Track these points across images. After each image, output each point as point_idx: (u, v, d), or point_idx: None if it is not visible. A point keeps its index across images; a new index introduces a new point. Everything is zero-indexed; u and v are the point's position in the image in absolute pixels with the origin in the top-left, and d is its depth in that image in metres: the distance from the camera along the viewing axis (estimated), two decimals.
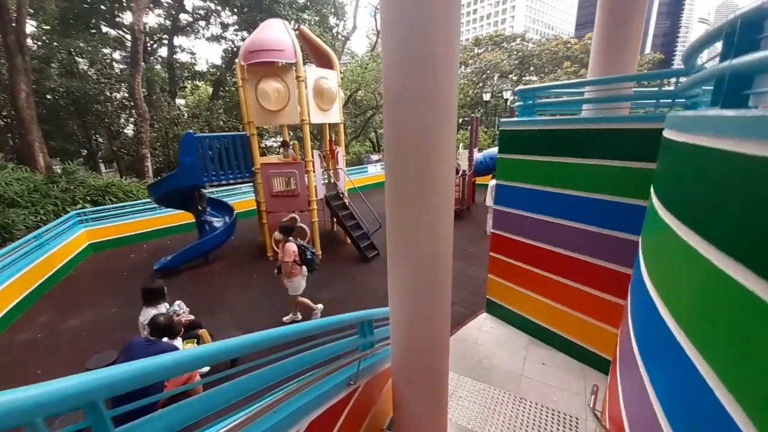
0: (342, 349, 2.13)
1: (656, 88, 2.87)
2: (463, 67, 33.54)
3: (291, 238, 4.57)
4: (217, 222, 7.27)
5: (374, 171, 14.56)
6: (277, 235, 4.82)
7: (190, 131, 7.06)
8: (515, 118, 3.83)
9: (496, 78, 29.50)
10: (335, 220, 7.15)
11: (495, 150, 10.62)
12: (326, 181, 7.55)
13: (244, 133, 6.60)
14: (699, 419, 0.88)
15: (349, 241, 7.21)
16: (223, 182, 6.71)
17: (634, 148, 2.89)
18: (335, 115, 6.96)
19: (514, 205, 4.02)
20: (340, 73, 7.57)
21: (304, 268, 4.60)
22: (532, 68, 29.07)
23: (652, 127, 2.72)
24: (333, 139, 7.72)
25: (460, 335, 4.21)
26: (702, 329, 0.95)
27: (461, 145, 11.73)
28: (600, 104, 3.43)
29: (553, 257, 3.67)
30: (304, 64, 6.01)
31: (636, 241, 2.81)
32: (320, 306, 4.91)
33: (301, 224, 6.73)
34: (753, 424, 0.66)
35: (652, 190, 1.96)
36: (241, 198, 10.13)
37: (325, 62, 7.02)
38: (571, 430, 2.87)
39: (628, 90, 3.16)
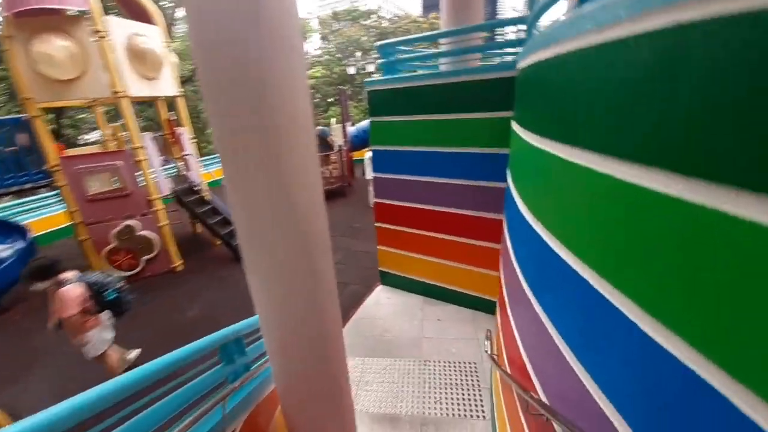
0: (197, 392, 1.51)
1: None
2: (325, 42, 32.65)
3: (64, 276, 2.80)
4: (2, 252, 5.00)
5: None
6: (37, 286, 2.75)
7: None
8: (380, 77, 3.58)
9: (359, 55, 29.77)
10: (195, 219, 5.82)
11: (368, 122, 10.61)
12: (179, 173, 6.06)
13: (19, 116, 4.55)
14: (602, 339, 0.84)
15: (219, 241, 6.05)
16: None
17: (492, 98, 3.00)
18: (168, 85, 5.47)
19: (391, 170, 3.87)
20: (171, 39, 5.96)
21: (104, 315, 2.99)
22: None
23: (507, 76, 2.83)
24: (173, 118, 6.15)
25: (359, 315, 3.97)
26: (594, 247, 0.86)
27: (334, 120, 11.31)
28: (455, 57, 3.48)
29: (435, 217, 3.70)
30: (107, 13, 4.39)
31: (502, 187, 2.91)
32: (134, 354, 3.34)
33: (142, 233, 5.23)
34: (673, 332, 0.60)
35: (513, 123, 1.94)
36: (46, 213, 7.38)
37: (140, 15, 5.33)
38: (471, 375, 2.97)
39: (478, 42, 3.29)
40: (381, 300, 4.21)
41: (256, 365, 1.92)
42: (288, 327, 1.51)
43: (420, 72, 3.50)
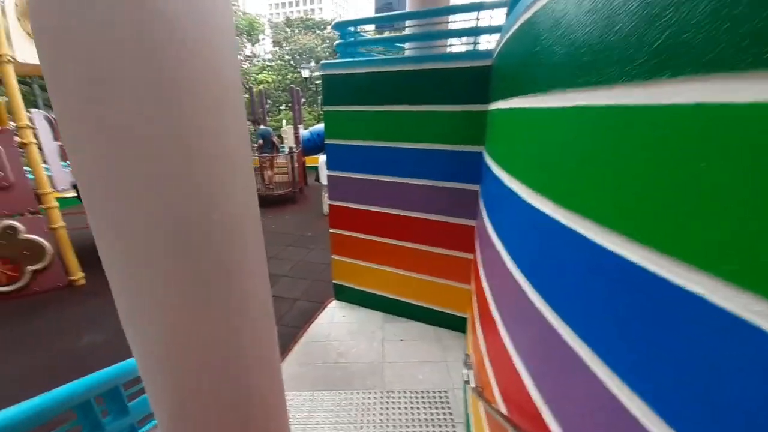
0: None
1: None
2: (278, 48, 31.65)
3: None
4: None
5: None
6: None
7: None
8: (337, 60, 3.13)
9: (312, 63, 29.25)
10: None
11: (322, 126, 10.05)
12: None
13: None
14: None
15: None
16: None
17: (467, 89, 2.70)
18: None
19: (348, 167, 3.39)
20: None
21: None
22: None
23: (483, 65, 2.55)
24: None
25: (309, 337, 3.35)
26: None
27: (285, 122, 10.58)
28: (423, 42, 3.17)
29: (397, 222, 3.28)
30: None
31: (477, 190, 2.58)
32: None
33: (28, 236, 4.08)
34: None
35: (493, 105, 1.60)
36: None
37: None
38: (441, 407, 2.53)
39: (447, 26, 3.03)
40: (335, 318, 3.64)
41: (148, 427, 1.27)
42: (187, 374, 0.93)
43: (383, 56, 3.12)
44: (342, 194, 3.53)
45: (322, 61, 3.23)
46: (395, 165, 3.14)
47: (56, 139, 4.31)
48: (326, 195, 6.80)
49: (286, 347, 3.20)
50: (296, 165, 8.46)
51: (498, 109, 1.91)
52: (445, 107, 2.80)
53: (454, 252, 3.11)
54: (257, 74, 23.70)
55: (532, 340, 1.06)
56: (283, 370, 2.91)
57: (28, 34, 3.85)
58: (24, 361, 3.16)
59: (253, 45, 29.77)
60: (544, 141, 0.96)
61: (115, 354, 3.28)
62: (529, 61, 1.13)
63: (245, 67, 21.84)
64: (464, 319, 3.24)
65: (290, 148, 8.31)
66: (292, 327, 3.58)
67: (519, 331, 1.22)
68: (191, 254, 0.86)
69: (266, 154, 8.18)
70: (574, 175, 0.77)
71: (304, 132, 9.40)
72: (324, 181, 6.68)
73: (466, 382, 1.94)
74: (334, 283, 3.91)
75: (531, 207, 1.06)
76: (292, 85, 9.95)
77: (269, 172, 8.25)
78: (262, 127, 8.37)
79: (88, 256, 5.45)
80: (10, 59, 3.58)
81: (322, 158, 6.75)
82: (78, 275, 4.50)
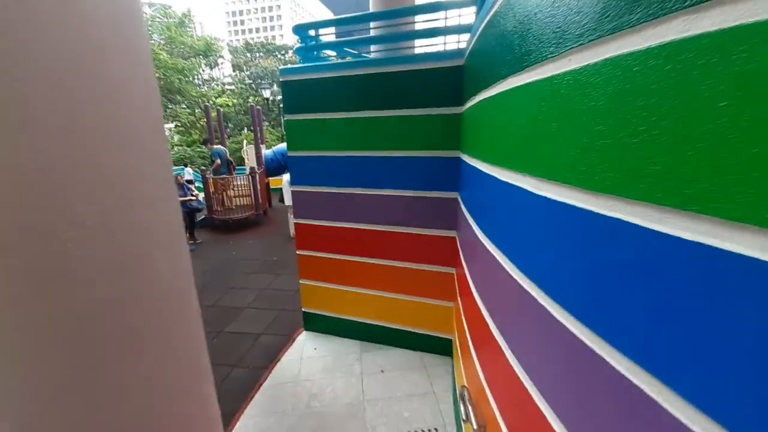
0: None
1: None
2: (237, 71, 31.15)
3: None
4: None
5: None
6: None
7: None
8: (297, 65, 2.86)
9: (275, 86, 29.01)
10: None
11: (285, 145, 9.67)
12: None
13: None
14: None
15: None
16: None
17: (440, 92, 2.52)
18: None
19: (314, 181, 3.07)
20: None
21: None
22: None
23: (455, 65, 2.39)
24: None
25: (276, 379, 2.87)
26: None
27: (245, 142, 10.08)
28: (390, 44, 2.99)
29: (370, 238, 2.97)
30: None
31: (456, 199, 2.37)
32: None
33: None
34: None
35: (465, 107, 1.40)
36: None
37: None
38: None
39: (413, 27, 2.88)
40: (306, 352, 3.19)
41: None
42: None
43: (348, 59, 2.90)
44: (309, 211, 3.17)
45: (281, 67, 2.95)
46: (366, 176, 2.86)
47: None
48: (292, 216, 6.38)
49: (246, 395, 2.70)
50: (259, 186, 7.95)
51: (477, 103, 1.72)
52: (416, 111, 2.60)
53: (435, 267, 2.84)
54: (216, 98, 22.97)
55: (554, 363, 0.78)
56: (243, 425, 2.43)
57: None
58: None
59: (211, 69, 29.06)
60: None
61: None
62: (497, 52, 1.19)
63: (203, 90, 21.08)
64: (449, 341, 2.94)
65: (251, 169, 7.81)
66: (254, 368, 3.08)
67: (534, 354, 0.93)
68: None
69: (224, 175, 7.65)
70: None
71: (266, 152, 8.94)
72: (289, 201, 6.27)
73: (465, 421, 1.61)
74: (304, 312, 3.48)
75: (544, 200, 0.81)
76: (252, 104, 9.54)
77: (230, 193, 7.70)
78: (216, 146, 7.88)
79: None
80: None
81: (285, 177, 6.35)
82: None
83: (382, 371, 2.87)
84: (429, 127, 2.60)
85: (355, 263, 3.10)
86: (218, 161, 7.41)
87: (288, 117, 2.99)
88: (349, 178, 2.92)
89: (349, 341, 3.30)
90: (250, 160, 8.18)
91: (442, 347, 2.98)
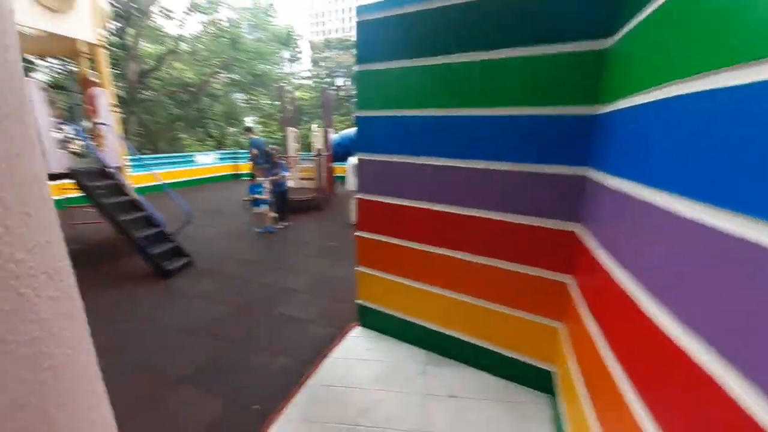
0: None
1: None
2: (314, 66, 32.54)
3: None
4: None
5: (206, 162, 11.23)
6: None
7: None
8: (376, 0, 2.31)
9: (349, 83, 29.61)
10: (99, 210, 4.11)
11: (353, 130, 9.41)
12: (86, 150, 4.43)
13: None
14: None
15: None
16: None
17: (565, 19, 1.77)
18: (81, 26, 4.01)
19: (384, 147, 2.51)
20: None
21: None
22: None
23: None
24: (93, 78, 4.62)
25: (321, 378, 2.39)
26: None
27: (315, 125, 10.09)
28: None
29: (451, 224, 2.32)
30: None
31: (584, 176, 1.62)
32: None
33: None
34: None
35: None
36: None
37: None
38: None
39: None
40: (358, 352, 2.67)
41: None
42: None
43: None
44: (375, 185, 2.63)
45: (357, 5, 2.45)
46: (453, 142, 2.21)
47: (53, 114, 3.82)
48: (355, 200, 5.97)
49: (287, 391, 2.25)
50: (323, 169, 7.76)
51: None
52: (531, 50, 1.87)
53: (538, 270, 2.08)
54: (293, 91, 24.15)
55: None
56: (279, 430, 1.97)
57: (42, 5, 3.42)
58: None
59: (291, 63, 30.76)
60: None
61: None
62: None
63: (282, 76, 22.21)
64: (548, 374, 2.16)
65: (318, 151, 7.65)
66: (299, 361, 2.64)
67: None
68: None
69: (262, 166, 7.75)
70: None
71: (334, 136, 8.77)
72: (351, 186, 5.87)
73: None
74: (359, 305, 2.96)
75: None
76: (324, 86, 9.46)
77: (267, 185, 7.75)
78: (255, 137, 7.99)
79: (90, 254, 4.89)
80: None
81: (351, 160, 5.97)
82: None
83: (453, 396, 2.20)
84: (546, 72, 1.86)
85: (427, 254, 2.47)
86: (255, 151, 7.37)
87: (361, 67, 2.46)
88: (430, 144, 2.30)
89: (410, 348, 2.70)
90: (318, 142, 8.03)
91: (536, 379, 2.21)
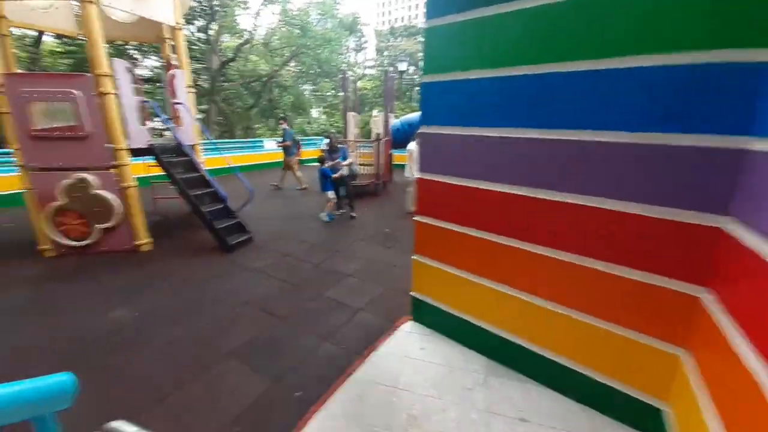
0: None
1: None
2: (379, 55, 32.52)
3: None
4: None
5: (273, 147, 11.78)
6: None
7: None
8: None
9: (411, 69, 28.99)
10: (173, 185, 4.38)
11: (417, 114, 9.02)
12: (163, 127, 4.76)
13: None
14: None
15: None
16: None
17: None
18: (163, 9, 4.24)
19: (455, 118, 2.13)
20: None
21: None
22: None
23: None
24: (171, 59, 4.93)
25: (368, 372, 2.16)
26: None
27: (375, 110, 9.90)
28: None
29: (534, 210, 1.88)
30: None
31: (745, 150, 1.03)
32: None
33: (100, 192, 3.88)
34: None
35: None
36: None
37: None
38: None
39: None
40: (410, 349, 2.39)
41: None
42: None
43: None
44: (440, 163, 2.28)
45: None
46: (547, 108, 1.77)
47: (138, 93, 4.11)
48: (412, 191, 5.65)
49: (330, 383, 2.07)
50: (382, 155, 7.55)
51: None
52: None
53: (659, 278, 1.56)
54: (356, 82, 24.40)
55: None
56: (316, 429, 1.70)
57: None
58: (40, 329, 2.71)
59: (356, 53, 31.11)
60: None
61: (128, 333, 2.62)
62: None
63: (347, 64, 22.54)
64: (658, 412, 1.64)
65: (377, 135, 7.44)
66: (346, 349, 2.45)
67: None
68: None
69: (292, 156, 8.05)
70: None
71: (394, 121, 8.50)
72: (413, 173, 5.53)
73: None
74: (413, 297, 2.67)
75: None
76: (387, 70, 9.19)
77: (298, 173, 8.11)
78: (286, 127, 8.12)
79: (165, 226, 5.33)
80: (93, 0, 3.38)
81: (412, 146, 5.62)
82: (144, 240, 4.22)
83: (523, 420, 1.81)
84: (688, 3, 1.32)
85: (500, 247, 2.07)
86: (288, 142, 7.74)
87: (431, 22, 2.10)
88: (514, 112, 1.88)
89: (468, 352, 2.34)
90: (377, 126, 7.82)
91: (637, 415, 1.71)
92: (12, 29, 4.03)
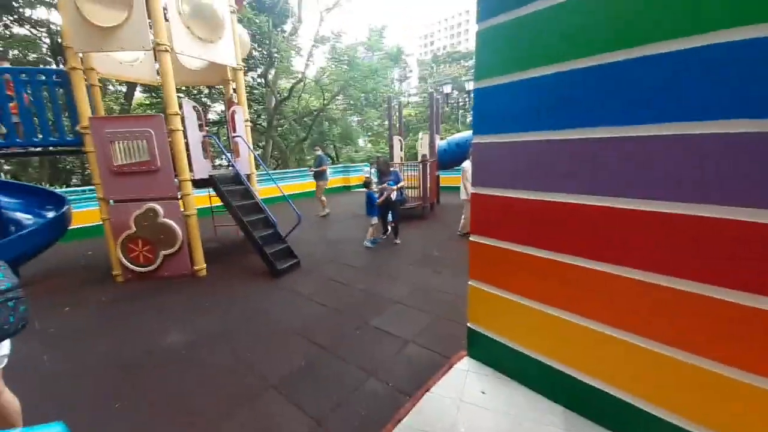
0: None
1: None
2: (422, 83, 33.30)
3: None
4: (29, 219, 4.52)
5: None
6: None
7: None
8: None
9: (456, 93, 29.11)
10: (230, 212, 4.60)
11: (464, 134, 8.78)
12: (226, 160, 5.09)
13: (56, 68, 4.13)
14: None
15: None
16: (25, 149, 4.06)
17: None
18: (226, 53, 4.66)
19: (513, 122, 1.88)
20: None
21: None
22: None
23: None
24: (231, 96, 5.35)
25: (420, 420, 1.87)
26: None
27: (420, 132, 9.88)
28: None
29: (634, 226, 1.52)
30: None
31: None
32: None
33: (164, 220, 4.18)
34: None
35: None
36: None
37: None
38: None
39: None
40: (468, 392, 2.04)
41: None
42: None
43: None
44: (498, 174, 2.02)
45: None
46: (621, 101, 1.46)
47: (201, 129, 4.46)
48: (466, 213, 5.33)
49: (377, 428, 1.81)
50: (429, 177, 7.37)
51: None
52: None
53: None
54: (400, 106, 25.15)
55: None
56: None
57: (190, 32, 4.04)
58: (97, 351, 2.83)
59: (401, 83, 32.24)
60: None
61: (180, 359, 2.61)
62: None
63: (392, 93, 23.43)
64: None
65: (423, 156, 7.31)
66: (393, 387, 2.18)
67: None
68: None
69: (322, 181, 8.15)
70: None
71: (440, 142, 8.35)
72: (467, 195, 5.25)
73: None
74: (470, 329, 2.34)
75: None
76: (432, 91, 9.19)
77: (323, 198, 8.24)
78: (321, 153, 8.31)
79: (219, 251, 5.60)
80: (167, 48, 3.80)
81: (467, 164, 5.34)
82: (201, 266, 4.42)
83: None
84: None
85: (580, 271, 1.71)
86: (324, 167, 7.96)
87: (484, 24, 1.93)
88: (586, 109, 1.60)
89: (543, 400, 1.94)
90: (423, 147, 7.71)
91: None
92: (108, 86, 4.67)
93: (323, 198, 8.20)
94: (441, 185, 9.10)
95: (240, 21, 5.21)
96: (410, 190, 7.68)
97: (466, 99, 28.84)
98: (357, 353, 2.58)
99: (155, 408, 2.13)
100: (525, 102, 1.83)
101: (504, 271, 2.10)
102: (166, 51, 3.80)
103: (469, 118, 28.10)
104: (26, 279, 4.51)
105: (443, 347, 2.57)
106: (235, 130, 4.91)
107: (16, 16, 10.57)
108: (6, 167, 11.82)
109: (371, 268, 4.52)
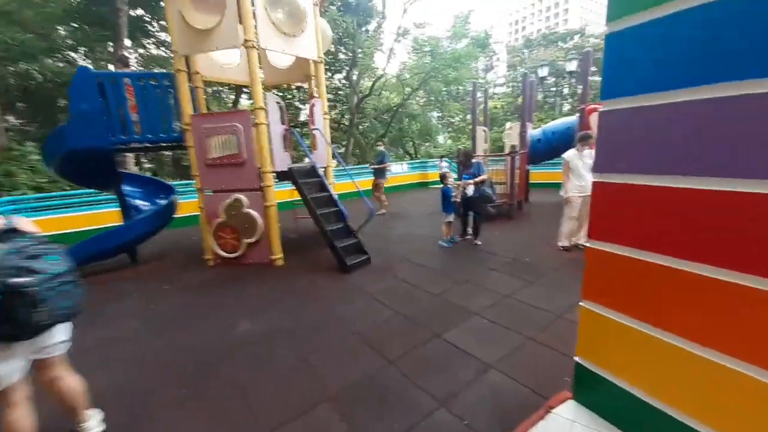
0: None
1: None
2: (512, 71, 30.66)
3: None
4: (146, 205, 5.29)
5: (398, 171, 12.09)
6: None
7: (84, 65, 5.32)
8: None
9: (552, 80, 25.92)
10: (304, 203, 4.63)
11: (564, 120, 7.54)
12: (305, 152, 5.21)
13: (166, 71, 4.64)
14: None
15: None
16: (142, 144, 4.68)
17: None
18: (309, 47, 4.68)
19: (666, 76, 1.25)
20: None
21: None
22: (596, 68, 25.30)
23: None
24: (313, 91, 5.41)
25: None
26: None
27: (509, 123, 8.87)
28: None
29: None
30: None
31: None
32: None
33: (248, 210, 4.39)
34: None
35: None
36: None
37: None
38: None
39: None
40: None
41: None
42: None
43: None
44: (636, 152, 1.40)
45: None
46: None
47: (283, 122, 4.57)
48: (567, 218, 4.39)
49: None
50: (517, 172, 6.48)
51: None
52: None
53: None
54: (485, 93, 23.48)
55: None
56: None
57: (275, 27, 4.12)
58: (175, 333, 2.99)
59: (486, 72, 30.24)
60: None
61: (251, 349, 2.58)
62: None
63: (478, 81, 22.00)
64: None
65: (511, 148, 6.44)
66: (466, 425, 1.74)
67: None
68: None
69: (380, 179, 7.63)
70: None
71: (533, 131, 7.29)
72: (570, 190, 4.36)
73: None
74: (579, 365, 1.74)
75: None
76: (525, 71, 8.14)
77: (382, 197, 7.78)
78: (383, 149, 7.76)
79: (296, 243, 5.76)
80: (254, 44, 3.93)
81: (570, 154, 4.39)
82: (278, 255, 4.55)
83: None
84: None
85: (764, 298, 1.03)
86: (386, 164, 7.59)
87: (612, 27, 1.32)
88: None
89: None
90: (512, 138, 6.83)
91: None
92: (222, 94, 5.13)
93: (383, 196, 7.82)
94: (531, 182, 8.01)
95: (325, 17, 5.26)
96: (496, 186, 6.89)
97: (565, 85, 25.43)
98: (426, 373, 2.19)
99: (217, 401, 2.08)
100: (694, 41, 1.18)
101: (637, 292, 1.46)
102: (253, 47, 3.94)
103: (567, 107, 24.73)
104: (144, 257, 5.28)
105: (537, 382, 2.01)
106: (314, 123, 4.96)
107: (153, 39, 12.96)
108: (147, 165, 14.61)
109: (447, 270, 4.06)
